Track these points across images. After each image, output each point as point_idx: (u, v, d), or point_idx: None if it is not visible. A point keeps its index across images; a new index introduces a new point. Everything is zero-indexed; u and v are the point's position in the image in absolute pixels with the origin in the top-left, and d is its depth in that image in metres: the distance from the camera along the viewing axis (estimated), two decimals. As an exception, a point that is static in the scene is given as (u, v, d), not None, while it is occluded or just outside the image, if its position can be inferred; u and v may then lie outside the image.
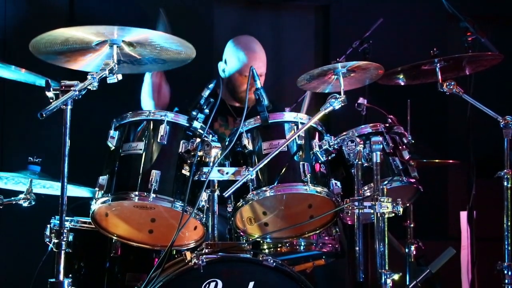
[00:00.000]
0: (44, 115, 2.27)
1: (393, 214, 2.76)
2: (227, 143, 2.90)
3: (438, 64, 3.25)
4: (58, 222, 2.83)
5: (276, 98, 3.65)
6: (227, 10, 5.15)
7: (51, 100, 2.39)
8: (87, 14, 4.53)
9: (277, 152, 2.72)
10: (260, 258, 2.66)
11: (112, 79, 2.59)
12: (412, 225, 3.84)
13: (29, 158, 3.12)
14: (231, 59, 3.77)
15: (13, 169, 3.11)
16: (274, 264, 2.61)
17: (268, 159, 2.70)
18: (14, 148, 4.29)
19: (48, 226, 2.65)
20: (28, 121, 4.21)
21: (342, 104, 2.86)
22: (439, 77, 3.23)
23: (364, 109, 3.46)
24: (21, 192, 3.07)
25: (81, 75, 2.55)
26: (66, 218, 2.42)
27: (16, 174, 3.09)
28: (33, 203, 3.07)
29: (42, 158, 3.15)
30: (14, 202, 3.05)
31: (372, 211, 2.75)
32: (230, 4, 5.22)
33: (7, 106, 4.34)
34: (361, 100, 3.31)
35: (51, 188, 3.25)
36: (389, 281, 2.71)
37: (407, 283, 3.42)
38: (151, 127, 2.79)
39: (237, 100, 3.78)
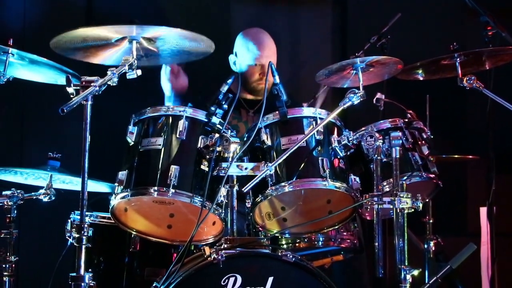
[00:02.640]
0: (65, 110, 2.28)
1: (413, 210, 2.75)
2: (245, 138, 2.91)
3: (458, 59, 3.22)
4: (78, 217, 2.86)
5: (293, 92, 3.64)
6: (244, 5, 5.14)
7: (71, 96, 2.41)
8: (105, 11, 4.55)
9: (296, 147, 2.72)
10: (280, 254, 2.66)
11: (131, 75, 2.61)
12: (431, 221, 3.82)
13: (49, 153, 3.15)
14: (241, 51, 3.77)
15: (33, 165, 3.14)
16: (294, 259, 2.61)
17: (287, 154, 2.70)
18: (34, 144, 4.33)
19: (69, 221, 2.67)
20: (48, 117, 4.24)
21: (361, 99, 2.85)
22: (459, 71, 3.20)
23: (382, 104, 3.43)
24: (41, 187, 3.09)
25: (98, 71, 2.57)
26: (86, 213, 2.43)
27: (36, 170, 3.11)
28: (53, 198, 3.09)
29: (61, 153, 3.17)
30: (34, 197, 3.07)
31: (391, 206, 2.74)
32: (247, -1, 5.22)
33: (27, 102, 4.38)
34: (379, 95, 3.29)
35: (70, 183, 3.28)
36: (408, 276, 2.71)
37: (426, 279, 3.40)
38: (170, 122, 2.80)
39: (249, 91, 3.78)
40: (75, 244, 2.40)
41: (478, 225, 4.22)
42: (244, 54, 3.74)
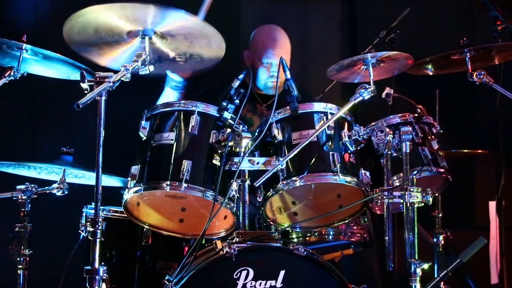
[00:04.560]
0: (80, 106, 2.31)
1: (423, 204, 2.77)
2: (257, 133, 2.93)
3: (468, 54, 3.22)
4: (90, 211, 2.89)
5: (302, 88, 3.66)
6: (253, 1, 5.15)
7: (85, 92, 2.44)
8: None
9: (307, 142, 2.74)
10: (291, 247, 2.69)
11: (144, 71, 2.63)
12: (440, 215, 3.82)
13: (62, 148, 3.18)
14: (254, 48, 3.78)
15: (46, 159, 3.17)
16: (305, 253, 2.64)
17: (298, 149, 2.72)
18: (48, 139, 4.36)
19: (83, 215, 2.70)
20: (61, 112, 4.28)
21: (372, 94, 2.86)
22: (469, 66, 3.20)
23: (391, 99, 3.44)
24: (55, 182, 3.12)
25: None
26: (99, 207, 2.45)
27: (49, 164, 3.14)
28: (66, 192, 3.12)
29: (74, 148, 3.20)
30: (48, 192, 3.10)
31: (401, 200, 2.76)
32: (256, -6, 5.23)
33: (41, 97, 4.41)
34: (388, 90, 3.30)
35: (83, 178, 3.31)
36: (418, 270, 2.72)
37: (436, 273, 3.42)
38: (182, 117, 2.82)
39: (261, 87, 3.79)
40: (89, 237, 2.43)
41: (487, 219, 4.22)
42: (256, 51, 3.75)
